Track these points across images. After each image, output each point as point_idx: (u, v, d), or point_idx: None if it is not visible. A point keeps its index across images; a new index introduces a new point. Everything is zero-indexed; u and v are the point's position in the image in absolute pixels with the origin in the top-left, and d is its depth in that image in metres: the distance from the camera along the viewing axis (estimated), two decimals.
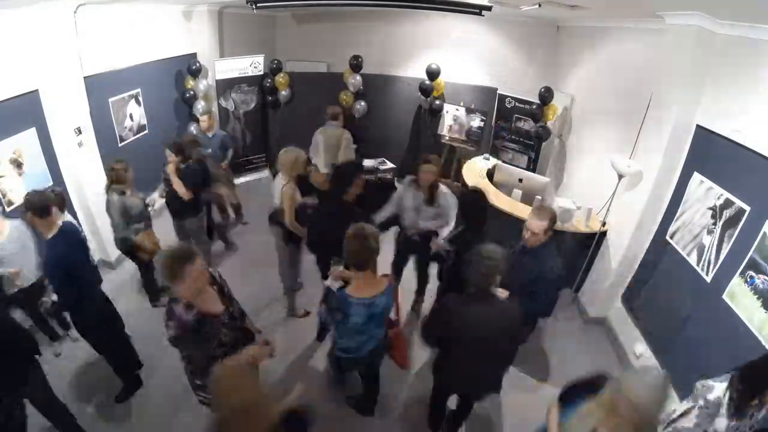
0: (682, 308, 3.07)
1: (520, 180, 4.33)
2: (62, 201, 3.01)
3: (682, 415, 2.01)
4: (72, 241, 2.78)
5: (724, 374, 1.95)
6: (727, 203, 2.78)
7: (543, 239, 2.63)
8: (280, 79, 6.41)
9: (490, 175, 5.21)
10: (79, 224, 4.00)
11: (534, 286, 2.57)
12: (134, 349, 3.26)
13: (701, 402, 1.93)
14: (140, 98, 5.07)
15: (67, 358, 3.41)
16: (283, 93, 6.48)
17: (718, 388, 1.91)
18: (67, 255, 2.65)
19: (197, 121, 5.96)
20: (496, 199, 4.35)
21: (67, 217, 2.98)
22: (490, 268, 2.11)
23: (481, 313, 2.18)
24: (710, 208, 2.93)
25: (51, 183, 3.83)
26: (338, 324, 2.34)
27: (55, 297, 3.23)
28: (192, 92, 5.80)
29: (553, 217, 2.63)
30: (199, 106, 5.85)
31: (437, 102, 6.34)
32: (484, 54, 6.64)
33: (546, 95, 5.38)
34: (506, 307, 2.28)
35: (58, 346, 3.48)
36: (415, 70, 6.69)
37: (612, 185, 3.67)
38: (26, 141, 3.56)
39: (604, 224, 3.90)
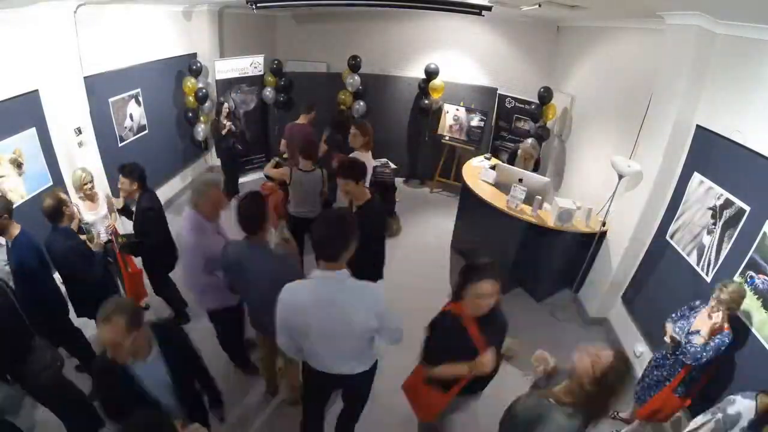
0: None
1: (520, 180, 4.32)
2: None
3: (699, 428, 1.98)
4: None
5: (749, 391, 1.95)
6: (727, 203, 2.78)
7: None
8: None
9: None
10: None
11: None
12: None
13: (720, 415, 1.92)
14: (140, 98, 5.07)
15: None
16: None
17: (740, 404, 1.89)
18: None
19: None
20: (496, 199, 4.35)
21: None
22: None
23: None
24: (710, 208, 2.93)
25: (51, 183, 3.83)
26: None
27: None
28: (204, 91, 5.78)
29: None
30: (205, 106, 5.86)
31: (437, 101, 6.34)
32: (484, 54, 6.64)
33: (545, 95, 5.39)
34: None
35: None
36: (414, 70, 6.69)
37: (612, 185, 3.67)
38: (26, 141, 3.56)
39: (604, 224, 3.90)
